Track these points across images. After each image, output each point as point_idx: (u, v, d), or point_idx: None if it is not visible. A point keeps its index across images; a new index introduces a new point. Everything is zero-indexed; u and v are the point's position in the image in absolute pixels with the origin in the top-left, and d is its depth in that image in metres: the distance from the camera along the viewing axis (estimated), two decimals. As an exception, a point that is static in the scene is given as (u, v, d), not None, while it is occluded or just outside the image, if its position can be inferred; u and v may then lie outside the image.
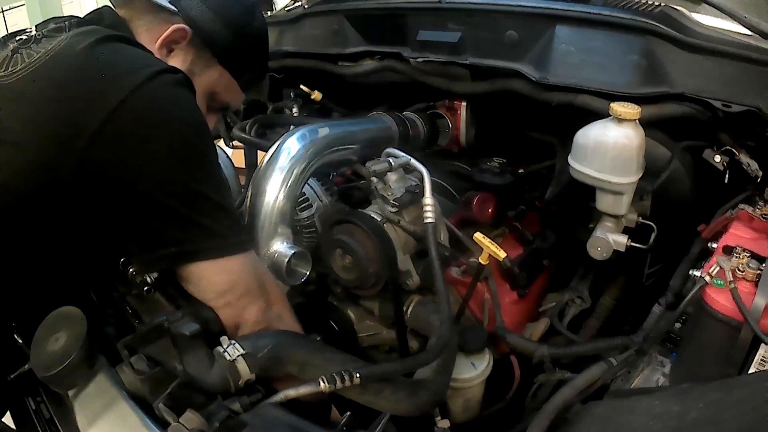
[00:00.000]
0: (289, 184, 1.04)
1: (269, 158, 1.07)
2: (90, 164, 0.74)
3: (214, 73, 0.99)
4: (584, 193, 1.06)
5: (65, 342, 0.75)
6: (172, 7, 0.91)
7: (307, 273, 1.01)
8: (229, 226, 0.84)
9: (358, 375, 0.76)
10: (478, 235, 0.99)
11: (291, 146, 1.07)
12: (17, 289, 0.89)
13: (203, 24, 0.94)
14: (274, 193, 1.03)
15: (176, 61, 0.94)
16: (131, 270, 0.96)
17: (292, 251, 0.98)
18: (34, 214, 0.79)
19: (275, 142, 1.09)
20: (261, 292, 0.89)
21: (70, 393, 0.84)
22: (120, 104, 0.73)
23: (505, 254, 0.97)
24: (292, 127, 1.51)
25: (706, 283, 0.81)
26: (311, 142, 1.09)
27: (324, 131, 1.12)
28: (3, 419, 0.97)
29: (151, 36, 0.92)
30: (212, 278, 0.84)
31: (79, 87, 0.75)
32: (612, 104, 0.95)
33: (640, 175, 1.00)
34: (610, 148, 0.96)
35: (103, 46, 0.79)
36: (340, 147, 1.15)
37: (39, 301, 0.96)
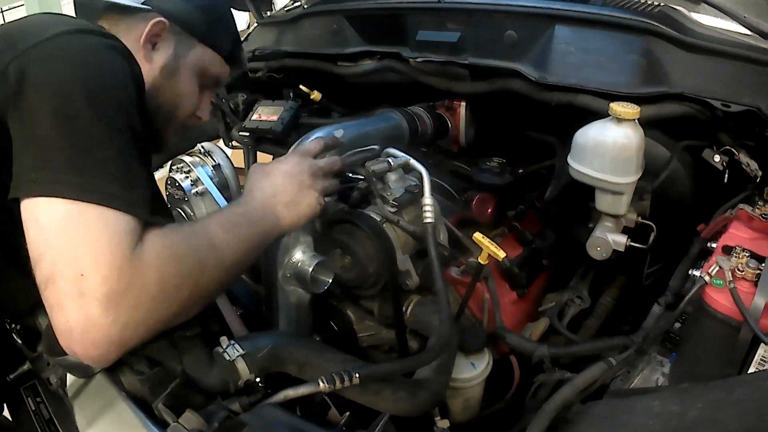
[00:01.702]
0: None
1: None
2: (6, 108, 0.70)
3: (198, 52, 1.04)
4: (584, 193, 1.06)
5: None
6: (145, 6, 0.97)
7: (330, 281, 1.00)
8: (89, 168, 0.67)
9: (357, 375, 0.76)
10: (477, 235, 0.99)
11: None
12: (16, 287, 0.89)
13: (176, 11, 0.99)
14: None
15: (162, 52, 0.98)
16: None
17: (316, 261, 0.99)
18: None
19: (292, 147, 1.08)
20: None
21: (70, 393, 0.84)
22: (37, 42, 0.72)
23: (505, 254, 0.97)
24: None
25: (706, 282, 0.81)
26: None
27: (339, 133, 1.11)
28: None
29: (133, 36, 0.95)
30: (26, 224, 0.66)
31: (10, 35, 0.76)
32: (611, 104, 0.95)
33: (640, 174, 1.00)
34: (610, 147, 0.96)
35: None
36: (357, 150, 1.13)
37: (39, 301, 0.96)
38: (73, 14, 1.03)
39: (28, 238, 0.66)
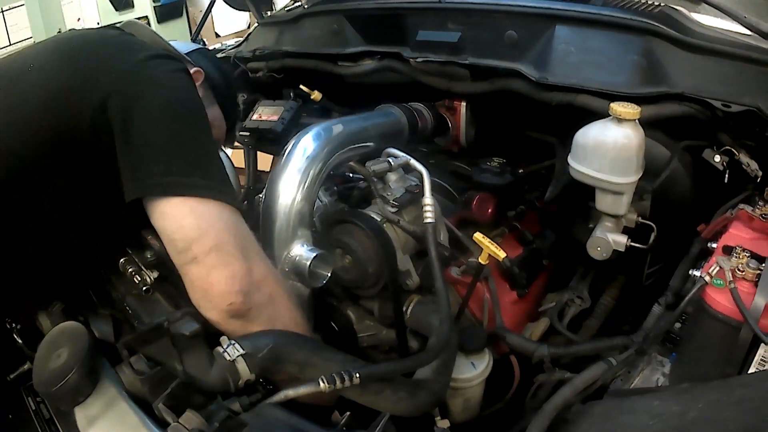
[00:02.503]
0: (306, 185, 1.02)
1: (285, 158, 1.05)
2: (111, 101, 0.83)
3: (215, 110, 1.20)
4: (584, 193, 1.06)
5: (66, 359, 0.75)
6: (188, 58, 1.14)
7: (329, 275, 0.99)
8: (218, 174, 0.86)
9: (357, 375, 0.76)
10: (477, 235, 0.99)
11: (306, 145, 1.05)
12: (17, 287, 0.89)
13: (210, 72, 1.18)
14: (291, 194, 1.01)
15: None
16: (130, 270, 0.96)
17: (314, 254, 0.97)
18: (47, 179, 0.85)
19: (289, 141, 1.08)
20: (238, 256, 0.82)
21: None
22: (137, 64, 0.87)
23: (505, 254, 0.97)
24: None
25: (706, 283, 0.81)
26: (327, 140, 1.07)
27: (338, 128, 1.10)
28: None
29: None
30: (181, 219, 0.81)
31: (103, 51, 0.91)
32: (612, 104, 0.95)
33: (640, 175, 1.00)
34: (610, 148, 0.96)
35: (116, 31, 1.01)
36: (355, 145, 1.13)
37: (39, 301, 0.96)
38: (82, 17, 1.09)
39: (165, 229, 0.82)
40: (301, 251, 0.98)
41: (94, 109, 0.82)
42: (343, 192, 1.25)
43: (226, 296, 0.80)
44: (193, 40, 2.22)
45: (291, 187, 1.01)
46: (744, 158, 1.00)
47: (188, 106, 0.88)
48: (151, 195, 0.82)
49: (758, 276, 0.79)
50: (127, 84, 0.84)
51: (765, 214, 0.91)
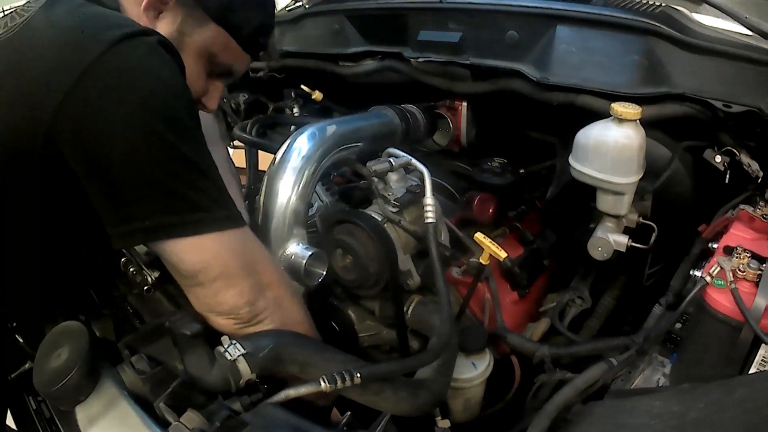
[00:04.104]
0: (302, 185, 1.02)
1: (280, 158, 1.05)
2: (58, 133, 0.69)
3: (208, 32, 0.89)
4: (585, 193, 1.06)
5: (66, 358, 0.75)
6: None
7: (324, 273, 0.99)
8: (211, 198, 0.75)
9: (358, 375, 0.76)
10: (478, 235, 0.99)
11: (301, 145, 1.06)
12: (17, 287, 0.89)
13: None
14: (286, 193, 1.01)
15: (165, 23, 0.87)
16: (131, 270, 0.96)
17: (309, 253, 0.97)
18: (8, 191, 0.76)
19: (284, 141, 1.08)
20: (245, 275, 0.80)
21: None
22: (87, 69, 0.69)
23: (506, 254, 0.97)
24: (293, 127, 1.52)
25: (707, 283, 0.81)
26: (321, 141, 1.08)
27: (332, 129, 1.11)
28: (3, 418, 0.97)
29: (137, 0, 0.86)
30: (183, 256, 0.76)
31: (47, 55, 0.72)
32: (613, 104, 0.95)
33: (641, 175, 1.00)
34: (611, 148, 0.96)
35: (76, 10, 0.78)
36: (349, 145, 1.13)
37: (40, 301, 0.96)
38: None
39: (165, 260, 0.78)
40: (297, 250, 0.99)
41: (41, 145, 0.70)
42: (344, 192, 1.25)
43: (233, 309, 0.81)
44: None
45: (287, 186, 1.02)
46: (745, 158, 1.00)
47: (165, 111, 0.72)
48: (137, 243, 0.75)
49: (759, 276, 0.79)
50: (77, 106, 0.68)
51: (766, 215, 0.91)
